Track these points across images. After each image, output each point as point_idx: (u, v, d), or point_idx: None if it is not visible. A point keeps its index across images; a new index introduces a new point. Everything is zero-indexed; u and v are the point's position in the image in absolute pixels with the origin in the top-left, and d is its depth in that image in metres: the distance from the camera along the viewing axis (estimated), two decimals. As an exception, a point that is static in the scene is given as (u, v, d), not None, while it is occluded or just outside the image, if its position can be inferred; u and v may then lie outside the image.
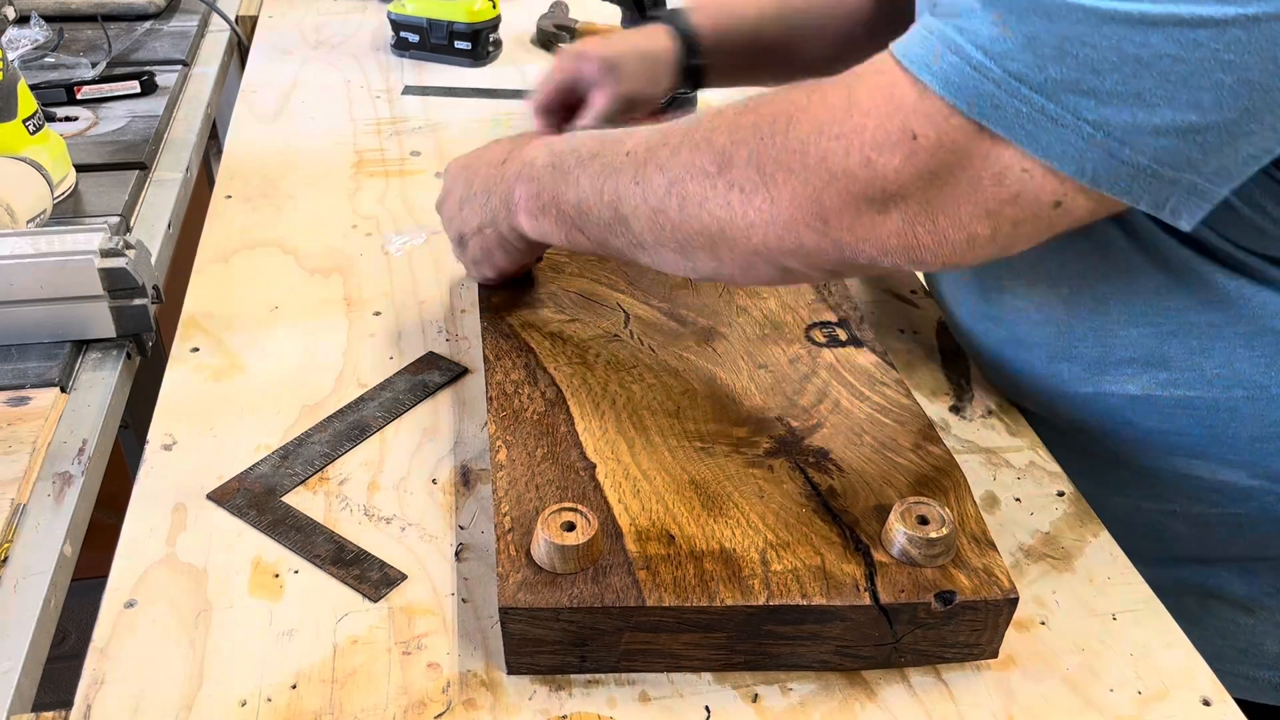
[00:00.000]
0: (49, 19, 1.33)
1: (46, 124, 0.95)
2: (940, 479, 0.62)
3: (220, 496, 0.66)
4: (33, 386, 0.74)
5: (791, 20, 0.89)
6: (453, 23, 1.31)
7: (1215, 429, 0.66)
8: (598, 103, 0.86)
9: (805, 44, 0.89)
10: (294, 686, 0.55)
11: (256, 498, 0.66)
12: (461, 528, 0.64)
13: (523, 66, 1.35)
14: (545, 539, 0.54)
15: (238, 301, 0.85)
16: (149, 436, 0.71)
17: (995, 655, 0.57)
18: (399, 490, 0.67)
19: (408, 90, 1.26)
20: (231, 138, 1.14)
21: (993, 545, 0.57)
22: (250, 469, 0.68)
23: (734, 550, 0.56)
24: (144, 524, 0.64)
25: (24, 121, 0.92)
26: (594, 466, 0.62)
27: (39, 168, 0.89)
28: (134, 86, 1.18)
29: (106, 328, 0.78)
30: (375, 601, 0.59)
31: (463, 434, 0.72)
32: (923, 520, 0.56)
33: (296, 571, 0.61)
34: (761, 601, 0.53)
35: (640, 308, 0.77)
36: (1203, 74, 0.46)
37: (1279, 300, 0.61)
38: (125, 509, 0.65)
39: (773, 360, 0.72)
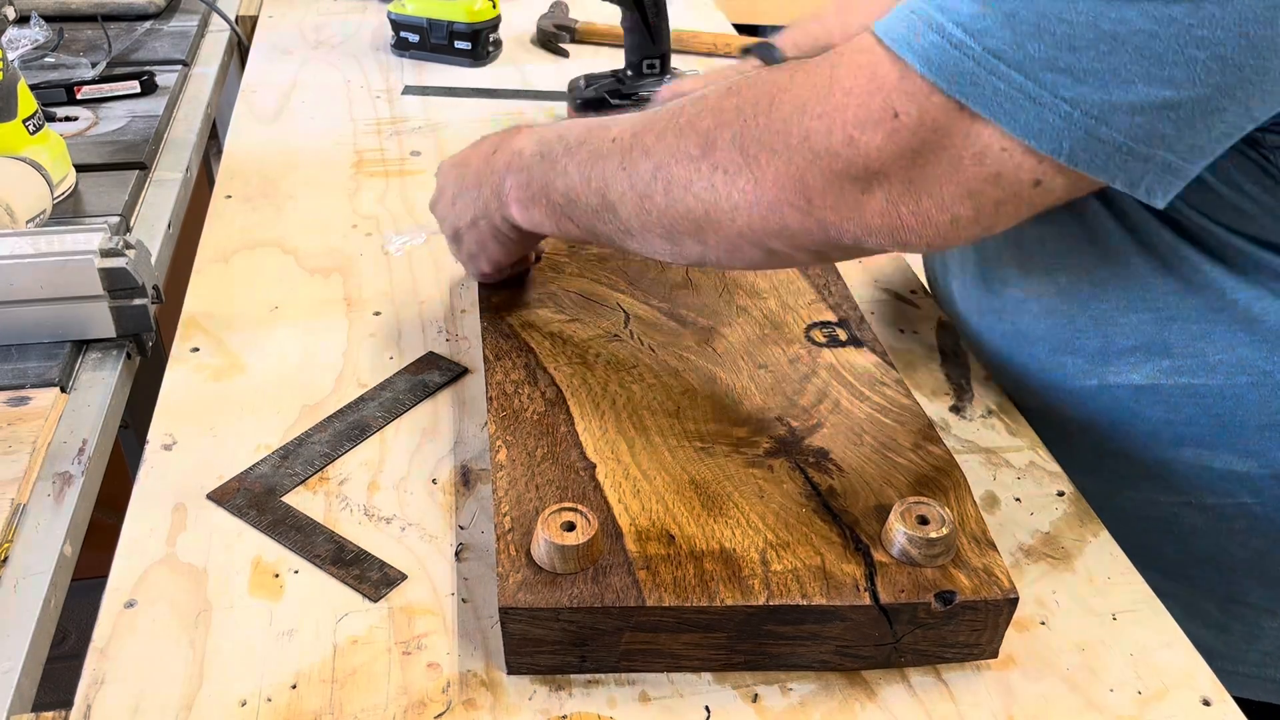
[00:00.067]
0: (49, 19, 1.33)
1: (46, 124, 0.95)
2: (940, 479, 0.62)
3: (220, 496, 0.66)
4: (33, 386, 0.74)
5: None
6: (453, 23, 1.31)
7: (1223, 417, 0.66)
8: None
9: None
10: (294, 686, 0.55)
11: (256, 498, 0.66)
12: (461, 528, 0.64)
13: (523, 66, 1.35)
14: (545, 539, 0.54)
15: (238, 301, 0.85)
16: (149, 436, 0.71)
17: (995, 655, 0.57)
18: (399, 490, 0.67)
19: (408, 90, 1.26)
20: (231, 138, 1.14)
21: (993, 545, 0.57)
22: (250, 469, 0.68)
23: (734, 550, 0.56)
24: (144, 524, 0.64)
25: (24, 121, 0.92)
26: (594, 466, 0.62)
27: (39, 168, 0.89)
28: (134, 86, 1.18)
29: (106, 328, 0.78)
30: (375, 601, 0.59)
31: (463, 434, 0.72)
32: (923, 520, 0.56)
33: (296, 571, 0.61)
34: (761, 601, 0.53)
35: (640, 307, 0.77)
36: (1177, 50, 0.46)
37: (1261, 290, 0.61)
38: (125, 509, 0.65)
39: (773, 360, 0.72)
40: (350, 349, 0.80)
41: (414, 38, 1.34)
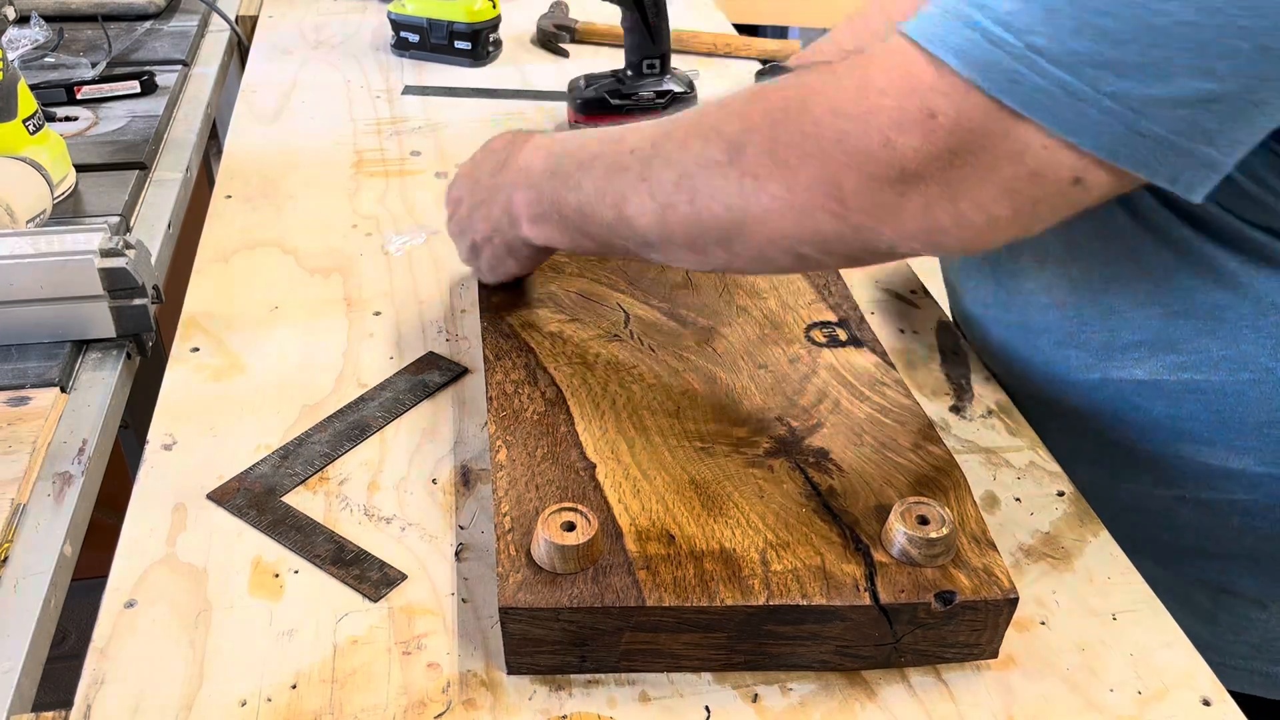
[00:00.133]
0: (49, 19, 1.33)
1: (46, 124, 0.95)
2: (940, 479, 0.62)
3: (220, 496, 0.66)
4: (33, 386, 0.74)
5: None
6: (453, 23, 1.31)
7: (1223, 414, 0.66)
8: None
9: None
10: (294, 686, 0.55)
11: (256, 498, 0.66)
12: (461, 528, 0.64)
13: (523, 66, 1.35)
14: (545, 539, 0.54)
15: (238, 301, 0.85)
16: (149, 436, 0.71)
17: (995, 655, 0.57)
18: (399, 490, 0.67)
19: (408, 90, 1.26)
20: (231, 138, 1.14)
21: (993, 545, 0.57)
22: (250, 469, 0.68)
23: (734, 550, 0.56)
24: (144, 524, 0.64)
25: (24, 121, 0.92)
26: (594, 466, 0.62)
27: (39, 168, 0.89)
28: (134, 86, 1.18)
29: (106, 328, 0.78)
30: (375, 601, 0.59)
31: (463, 434, 0.72)
32: (923, 520, 0.56)
33: (296, 571, 0.61)
34: (761, 601, 0.53)
35: (640, 307, 0.77)
36: (1220, 41, 0.46)
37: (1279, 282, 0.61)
38: (125, 509, 0.65)
39: (773, 360, 0.72)
40: (350, 349, 0.80)
41: (414, 38, 1.34)
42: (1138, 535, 0.67)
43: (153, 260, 0.85)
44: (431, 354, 0.79)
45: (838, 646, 0.55)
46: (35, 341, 0.77)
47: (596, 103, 1.13)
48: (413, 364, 0.78)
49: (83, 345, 0.79)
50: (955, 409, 0.76)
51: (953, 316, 0.87)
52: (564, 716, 0.54)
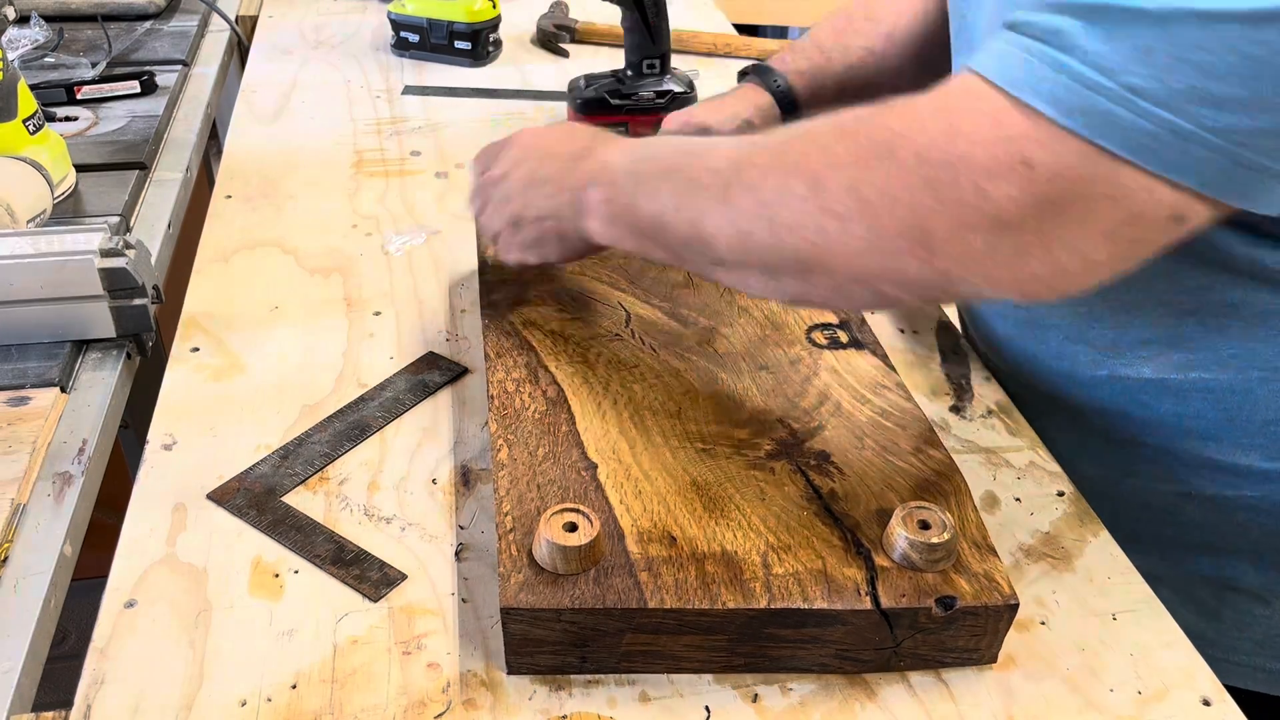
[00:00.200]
0: (49, 19, 1.33)
1: (46, 124, 0.95)
2: (941, 483, 0.62)
3: (220, 496, 0.66)
4: (33, 386, 0.74)
5: (872, 64, 0.88)
6: (453, 23, 1.31)
7: (1230, 412, 0.66)
8: None
9: (886, 85, 0.89)
10: (294, 686, 0.55)
11: (256, 498, 0.66)
12: (461, 528, 0.64)
13: (523, 66, 1.35)
14: (547, 540, 0.54)
15: (238, 301, 0.85)
16: (149, 436, 0.71)
17: (994, 660, 0.57)
18: (399, 490, 0.67)
19: (408, 90, 1.26)
20: (231, 138, 1.14)
21: (993, 550, 0.57)
22: (250, 469, 0.68)
23: (735, 553, 0.56)
24: (144, 524, 0.64)
25: (24, 121, 0.92)
26: (595, 467, 0.62)
27: (39, 168, 0.89)
28: (134, 86, 1.18)
29: (106, 328, 0.78)
30: (375, 601, 0.59)
31: (463, 434, 0.72)
32: (924, 525, 0.56)
33: (296, 571, 0.61)
34: (763, 604, 0.53)
35: (641, 307, 0.77)
36: None
37: None
38: (125, 509, 0.65)
39: (774, 362, 0.72)
40: (350, 349, 0.80)
41: (414, 38, 1.34)
42: (1142, 532, 0.67)
43: (153, 260, 0.85)
44: (431, 354, 0.79)
45: (838, 650, 0.55)
46: (35, 341, 0.77)
47: (596, 103, 1.13)
48: (413, 364, 0.78)
49: (83, 345, 0.79)
50: (955, 409, 0.76)
51: (958, 310, 0.87)
52: (564, 716, 0.54)
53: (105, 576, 0.60)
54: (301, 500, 0.66)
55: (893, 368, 0.72)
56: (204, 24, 1.45)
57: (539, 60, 1.37)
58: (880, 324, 0.84)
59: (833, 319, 0.76)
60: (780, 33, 2.42)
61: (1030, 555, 0.64)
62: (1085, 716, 0.55)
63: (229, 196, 1.01)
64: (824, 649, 0.55)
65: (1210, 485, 0.70)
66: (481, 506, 0.66)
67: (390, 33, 1.35)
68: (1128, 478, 0.73)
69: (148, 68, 1.23)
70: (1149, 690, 0.56)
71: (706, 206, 0.59)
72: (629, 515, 0.58)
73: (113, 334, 0.79)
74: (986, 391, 0.78)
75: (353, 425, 0.72)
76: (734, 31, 1.47)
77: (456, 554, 0.63)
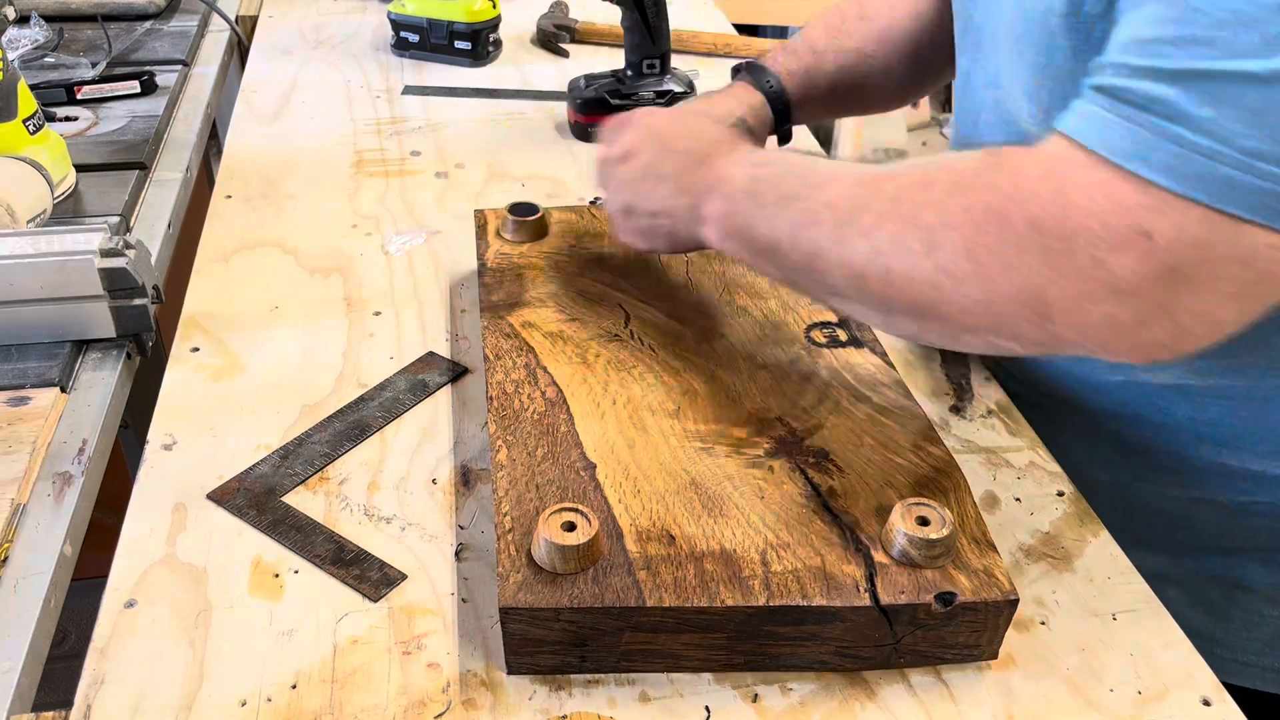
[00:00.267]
0: (49, 19, 1.33)
1: (46, 124, 0.95)
2: (940, 480, 0.62)
3: (220, 496, 0.66)
4: (33, 386, 0.74)
5: (864, 64, 0.88)
6: (453, 23, 1.31)
7: (1247, 418, 0.66)
8: None
9: (877, 83, 0.89)
10: (294, 686, 0.55)
11: (256, 498, 0.66)
12: (461, 528, 0.64)
13: (523, 66, 1.35)
14: (546, 539, 0.54)
15: (238, 301, 0.85)
16: (149, 436, 0.71)
17: (995, 656, 0.57)
18: (399, 490, 0.67)
19: (408, 90, 1.26)
20: (231, 138, 1.14)
21: (993, 546, 0.57)
22: (250, 469, 0.68)
23: (734, 551, 0.56)
24: (144, 524, 0.64)
25: (24, 121, 0.92)
26: (594, 466, 0.62)
27: (39, 168, 0.89)
28: (134, 86, 1.18)
29: (106, 328, 0.78)
30: (375, 601, 0.59)
31: (462, 434, 0.72)
32: (923, 521, 0.56)
33: (296, 571, 0.61)
34: (762, 602, 0.53)
35: (641, 307, 0.77)
36: None
37: None
38: (125, 509, 0.65)
39: (773, 361, 0.72)
40: (350, 349, 0.80)
41: (414, 38, 1.34)
42: (1152, 535, 0.66)
43: (153, 260, 0.85)
44: (431, 354, 0.79)
45: (838, 647, 0.55)
46: (35, 341, 0.77)
47: (596, 103, 1.13)
48: (413, 364, 0.78)
49: (83, 345, 0.79)
50: (955, 409, 0.76)
51: None
52: (564, 716, 0.54)
53: (105, 576, 0.60)
54: (301, 500, 0.66)
55: (892, 366, 0.72)
56: (204, 24, 1.45)
57: (539, 60, 1.37)
58: (880, 323, 0.84)
59: (832, 318, 0.76)
60: (780, 33, 2.42)
61: (1030, 555, 0.64)
62: (1085, 716, 0.55)
63: (229, 196, 1.01)
64: (824, 646, 0.55)
65: (1223, 491, 0.70)
66: (481, 506, 0.66)
67: (390, 33, 1.35)
68: (1140, 482, 0.73)
69: (148, 68, 1.23)
70: (1149, 690, 0.56)
71: (822, 243, 0.60)
72: (628, 514, 0.58)
73: (113, 334, 0.79)
74: (986, 391, 0.78)
75: (353, 425, 0.72)
76: (734, 31, 1.47)
77: (456, 554, 0.63)
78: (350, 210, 0.99)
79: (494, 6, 1.33)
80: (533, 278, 0.80)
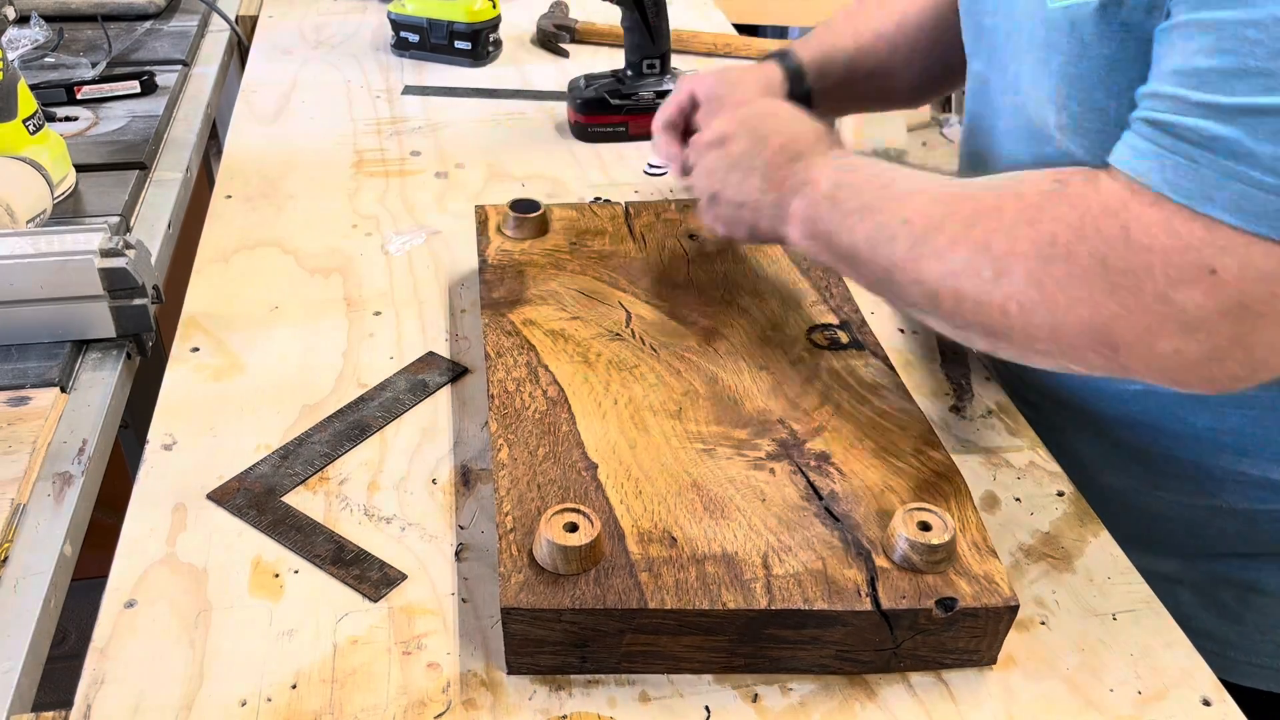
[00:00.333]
0: (49, 19, 1.33)
1: (46, 124, 0.95)
2: (941, 484, 0.62)
3: (220, 496, 0.66)
4: (33, 386, 0.74)
5: (881, 48, 0.88)
6: (453, 23, 1.31)
7: (1270, 427, 0.66)
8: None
9: (896, 71, 0.89)
10: (294, 686, 0.55)
11: (256, 498, 0.66)
12: (461, 528, 0.64)
13: (523, 66, 1.35)
14: (548, 540, 0.54)
15: (238, 301, 0.85)
16: (149, 436, 0.71)
17: (994, 661, 0.57)
18: (399, 490, 0.67)
19: (408, 90, 1.26)
20: (231, 138, 1.14)
21: (993, 552, 0.57)
22: (250, 469, 0.68)
23: (736, 553, 0.56)
24: (144, 524, 0.64)
25: (24, 121, 0.92)
26: (596, 467, 0.62)
27: (39, 168, 0.89)
28: (134, 86, 1.18)
29: (106, 328, 0.78)
30: (375, 601, 0.59)
31: (463, 434, 0.72)
32: (925, 526, 0.56)
33: (296, 571, 0.61)
34: (763, 605, 0.53)
35: (642, 307, 0.77)
36: None
37: None
38: (125, 509, 0.65)
39: (774, 362, 0.72)
40: (350, 349, 0.80)
41: (414, 38, 1.34)
42: (1167, 540, 0.66)
43: (153, 260, 0.85)
44: (431, 354, 0.79)
45: (838, 651, 0.55)
46: (35, 341, 0.77)
47: (596, 103, 1.13)
48: (413, 364, 0.78)
49: (83, 345, 0.79)
50: (955, 409, 0.76)
51: None
52: (564, 716, 0.54)
53: (105, 576, 0.60)
54: (301, 500, 0.66)
55: (893, 368, 0.72)
56: (204, 24, 1.45)
57: (539, 60, 1.37)
58: (880, 324, 0.84)
59: (833, 320, 0.76)
60: (780, 33, 2.42)
61: (1030, 555, 0.64)
62: (1085, 716, 0.55)
63: (229, 196, 1.01)
64: (824, 650, 0.55)
65: (1243, 499, 0.70)
66: (481, 506, 0.66)
67: (390, 33, 1.35)
68: (1156, 490, 0.72)
69: (148, 68, 1.23)
70: (1149, 690, 0.56)
71: (898, 259, 0.61)
72: (629, 515, 0.58)
73: (113, 334, 0.79)
74: (986, 391, 0.78)
75: (353, 425, 0.72)
76: (734, 31, 1.47)
77: (456, 554, 0.63)
78: (350, 210, 0.99)
79: (494, 6, 1.33)
80: (534, 275, 0.80)
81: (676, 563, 0.55)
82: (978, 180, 0.61)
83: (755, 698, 0.55)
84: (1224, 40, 0.48)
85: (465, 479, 0.68)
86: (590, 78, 1.16)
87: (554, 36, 1.40)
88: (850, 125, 2.51)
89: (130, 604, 0.59)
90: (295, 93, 1.25)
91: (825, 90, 0.88)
